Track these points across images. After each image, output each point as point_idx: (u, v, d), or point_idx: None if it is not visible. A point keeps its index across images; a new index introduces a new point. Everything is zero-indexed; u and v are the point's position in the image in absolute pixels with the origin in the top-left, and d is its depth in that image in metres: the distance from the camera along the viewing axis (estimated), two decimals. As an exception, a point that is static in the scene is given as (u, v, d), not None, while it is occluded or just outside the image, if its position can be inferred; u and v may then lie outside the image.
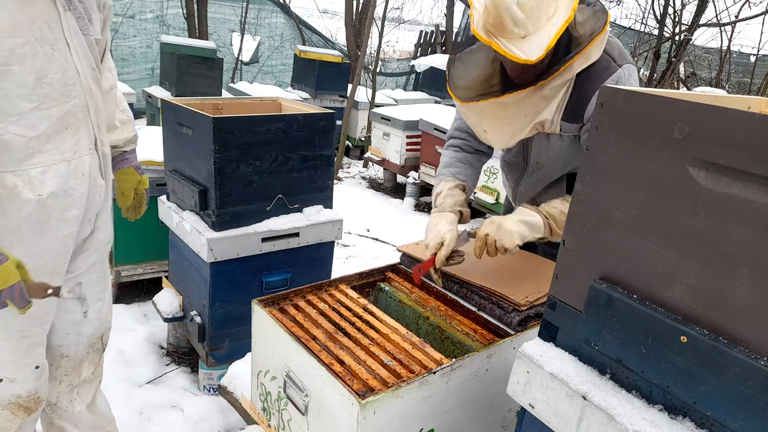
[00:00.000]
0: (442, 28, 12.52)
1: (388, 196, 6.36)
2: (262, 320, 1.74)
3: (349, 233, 4.95)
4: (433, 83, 9.24)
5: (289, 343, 1.59)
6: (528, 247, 2.16)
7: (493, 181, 4.99)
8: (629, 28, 10.32)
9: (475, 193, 5.15)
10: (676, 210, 0.95)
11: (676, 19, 8.55)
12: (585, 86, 1.56)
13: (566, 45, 1.52)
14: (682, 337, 0.93)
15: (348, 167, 7.44)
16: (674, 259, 0.96)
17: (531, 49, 1.44)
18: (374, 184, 6.79)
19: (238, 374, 2.09)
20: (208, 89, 5.70)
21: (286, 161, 2.44)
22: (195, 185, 2.37)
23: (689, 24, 8.50)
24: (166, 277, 2.93)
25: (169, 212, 2.61)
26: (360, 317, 1.75)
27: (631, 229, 1.01)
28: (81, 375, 1.79)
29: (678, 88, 8.92)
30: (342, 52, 9.64)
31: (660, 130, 0.95)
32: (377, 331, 1.68)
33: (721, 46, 9.03)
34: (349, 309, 1.80)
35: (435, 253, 1.73)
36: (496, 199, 4.92)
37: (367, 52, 8.28)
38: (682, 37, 8.39)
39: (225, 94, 6.92)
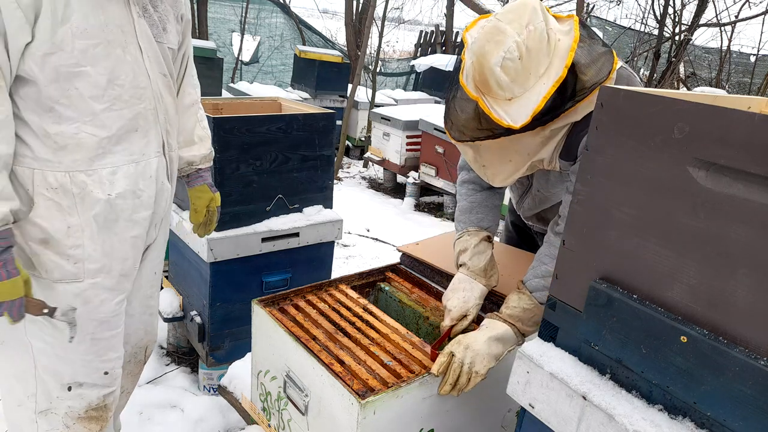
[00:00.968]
0: (442, 28, 12.52)
1: (388, 196, 6.36)
2: (262, 320, 1.74)
3: (349, 233, 4.95)
4: (433, 83, 9.23)
5: (289, 343, 1.59)
6: (528, 246, 2.17)
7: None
8: (629, 28, 10.32)
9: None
10: (676, 210, 0.95)
11: (676, 19, 8.55)
12: (582, 125, 1.45)
13: (573, 86, 1.39)
14: (682, 337, 0.93)
15: (348, 167, 7.44)
16: (674, 259, 0.96)
17: (517, 114, 1.34)
18: (374, 184, 6.79)
19: (238, 374, 2.09)
20: (208, 89, 5.66)
21: (286, 161, 2.44)
22: (195, 185, 2.37)
23: (689, 24, 8.50)
24: (166, 277, 2.93)
25: (169, 212, 2.61)
26: (360, 317, 1.75)
27: (631, 229, 1.01)
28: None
29: (678, 88, 8.92)
30: (342, 52, 9.63)
31: (660, 130, 0.95)
32: (377, 331, 1.68)
33: (721, 46, 9.03)
34: (349, 309, 1.80)
35: (454, 324, 1.63)
36: (497, 200, 4.91)
37: (367, 52, 8.28)
38: (682, 37, 8.39)
39: (225, 94, 6.93)
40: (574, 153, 1.49)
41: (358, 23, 10.76)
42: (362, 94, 7.66)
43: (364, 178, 7.06)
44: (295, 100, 2.99)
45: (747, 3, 8.27)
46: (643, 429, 0.95)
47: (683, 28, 8.51)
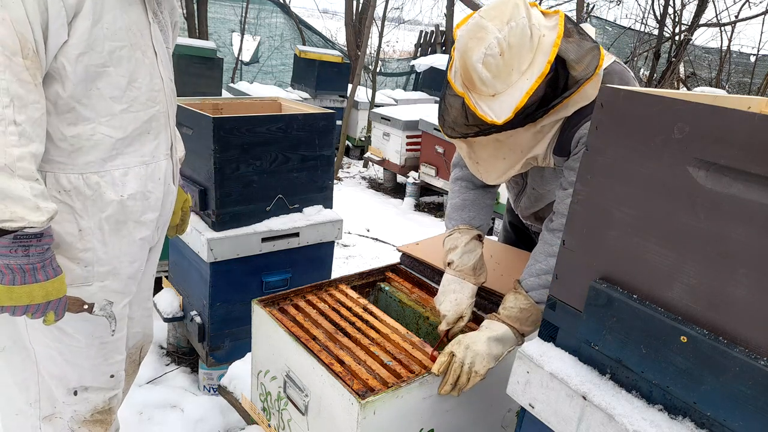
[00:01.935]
0: (442, 28, 12.52)
1: (388, 196, 6.36)
2: (262, 320, 1.74)
3: (349, 233, 4.95)
4: (433, 83, 9.23)
5: (289, 343, 1.59)
6: (526, 246, 2.17)
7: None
8: (629, 28, 10.32)
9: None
10: (676, 210, 0.95)
11: (676, 19, 8.55)
12: (575, 119, 1.46)
13: (564, 81, 1.40)
14: (682, 337, 0.93)
15: (348, 167, 7.44)
16: (674, 259, 0.96)
17: (500, 110, 1.35)
18: (374, 184, 6.79)
19: (238, 374, 2.09)
20: (208, 89, 5.69)
21: (286, 161, 2.44)
22: (195, 185, 2.38)
23: (689, 24, 8.50)
24: (166, 277, 2.93)
25: (169, 212, 2.62)
26: (360, 317, 1.75)
27: (631, 229, 1.01)
28: None
29: (678, 88, 8.92)
30: (342, 52, 9.63)
31: (660, 130, 0.95)
32: (377, 331, 1.68)
33: (721, 46, 9.03)
34: (349, 309, 1.80)
35: (450, 327, 1.64)
36: (497, 199, 4.92)
37: (367, 52, 8.29)
38: (682, 37, 8.39)
39: (225, 94, 6.93)
40: (567, 148, 1.50)
41: (358, 23, 10.76)
42: (362, 94, 7.66)
43: (364, 178, 7.06)
44: (295, 100, 2.99)
45: (747, 3, 8.27)
46: (643, 429, 0.95)
47: (683, 28, 8.51)
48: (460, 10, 12.84)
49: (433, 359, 1.53)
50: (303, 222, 2.52)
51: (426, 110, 6.20)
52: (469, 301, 1.65)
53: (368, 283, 2.05)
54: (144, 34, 1.42)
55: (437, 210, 6.00)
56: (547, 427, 1.12)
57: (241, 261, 2.42)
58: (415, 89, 10.54)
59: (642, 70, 9.78)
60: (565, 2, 8.53)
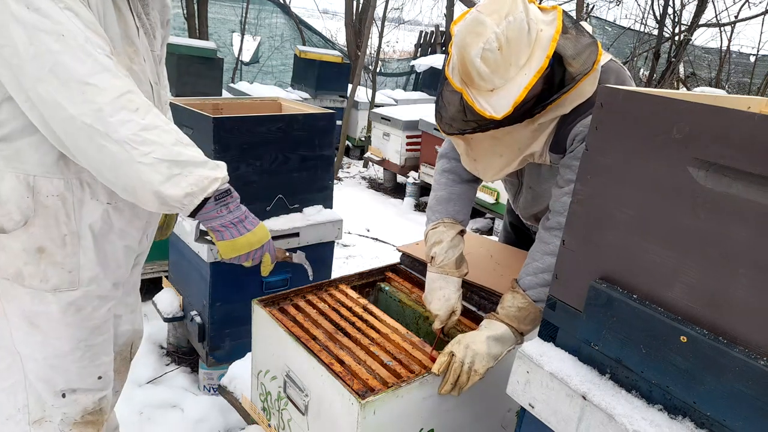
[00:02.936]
0: (442, 29, 12.52)
1: (388, 196, 6.36)
2: (262, 320, 1.74)
3: (349, 233, 4.95)
4: (433, 83, 9.23)
5: (289, 343, 1.59)
6: (526, 247, 2.17)
7: (494, 181, 4.99)
8: (629, 28, 10.32)
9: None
10: (676, 210, 0.95)
11: (676, 20, 8.55)
12: (571, 117, 1.46)
13: (561, 77, 1.40)
14: (682, 337, 0.93)
15: (348, 167, 7.44)
16: (674, 259, 0.96)
17: (498, 104, 1.34)
18: (374, 184, 6.79)
19: (238, 374, 2.09)
20: (208, 89, 5.69)
21: (286, 161, 2.44)
22: (195, 185, 2.37)
23: (689, 24, 8.50)
24: (166, 277, 2.93)
25: (169, 212, 2.61)
26: (360, 317, 1.75)
27: (631, 229, 1.01)
28: None
29: (678, 88, 8.92)
30: (342, 52, 9.63)
31: (660, 130, 0.95)
32: (377, 331, 1.68)
33: (721, 46, 9.03)
34: (349, 309, 1.80)
35: (444, 324, 1.64)
36: (497, 199, 4.92)
37: (367, 52, 8.28)
38: (681, 37, 8.39)
39: (225, 94, 6.92)
40: (564, 145, 1.49)
41: (358, 23, 10.76)
42: (362, 94, 7.66)
43: (364, 178, 7.06)
44: (295, 100, 2.99)
45: (747, 3, 8.27)
46: (643, 429, 0.95)
47: (683, 28, 8.51)
48: (460, 11, 12.82)
49: (433, 359, 1.53)
50: (303, 222, 2.52)
51: (426, 110, 6.19)
52: (457, 294, 1.65)
53: (368, 283, 2.05)
54: (134, 41, 1.39)
55: (437, 210, 5.99)
56: (547, 427, 1.12)
57: (241, 261, 2.42)
58: (415, 89, 10.54)
59: (642, 70, 9.78)
60: (565, 2, 8.53)
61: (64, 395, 1.45)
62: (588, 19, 9.20)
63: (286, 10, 10.99)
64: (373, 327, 1.70)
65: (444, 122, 1.48)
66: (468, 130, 1.44)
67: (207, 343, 2.52)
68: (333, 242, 2.70)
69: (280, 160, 2.42)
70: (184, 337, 2.88)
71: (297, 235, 2.51)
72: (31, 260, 1.33)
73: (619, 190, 1.03)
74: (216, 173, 1.30)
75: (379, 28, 7.71)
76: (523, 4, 1.35)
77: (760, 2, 8.34)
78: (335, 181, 6.06)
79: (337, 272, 3.25)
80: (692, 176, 0.92)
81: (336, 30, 13.27)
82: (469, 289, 1.88)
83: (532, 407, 1.15)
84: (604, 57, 1.48)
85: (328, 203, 2.66)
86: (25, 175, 1.29)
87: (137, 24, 1.41)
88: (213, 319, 2.47)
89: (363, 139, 7.71)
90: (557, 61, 1.37)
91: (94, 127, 1.17)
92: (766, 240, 0.85)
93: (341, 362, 1.51)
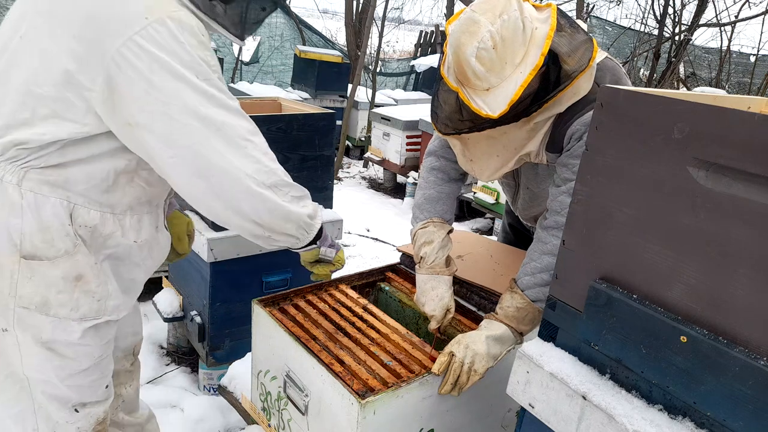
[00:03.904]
0: (442, 28, 12.50)
1: (388, 196, 6.36)
2: (262, 320, 1.74)
3: (349, 233, 4.95)
4: (433, 83, 9.19)
5: (289, 343, 1.59)
6: (525, 248, 2.17)
7: (493, 181, 4.99)
8: (629, 28, 10.31)
9: (474, 193, 5.15)
10: (676, 210, 0.95)
11: (676, 19, 8.55)
12: (567, 115, 1.46)
13: (556, 75, 1.40)
14: (682, 337, 0.93)
15: (348, 167, 7.44)
16: (674, 259, 0.96)
17: (495, 103, 1.34)
18: (374, 184, 6.79)
19: (238, 374, 2.09)
20: (208, 89, 5.68)
21: (286, 161, 2.44)
22: (195, 185, 2.37)
23: (689, 24, 8.50)
24: (166, 277, 2.92)
25: (169, 212, 2.61)
26: (360, 317, 1.75)
27: (631, 229, 1.01)
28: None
29: (678, 88, 8.92)
30: (342, 52, 9.63)
31: (660, 130, 0.95)
32: (377, 331, 1.68)
33: (721, 46, 9.03)
34: (349, 309, 1.80)
35: (441, 323, 1.64)
36: (496, 199, 4.92)
37: (367, 52, 8.28)
38: (682, 37, 8.39)
39: (225, 94, 6.90)
40: (560, 144, 1.49)
41: (358, 23, 10.75)
42: (362, 94, 7.66)
43: (364, 178, 7.06)
44: (295, 100, 2.98)
45: (747, 3, 8.27)
46: (643, 429, 0.95)
47: (683, 28, 8.51)
48: (461, 9, 12.80)
49: (433, 359, 1.53)
50: (303, 222, 2.52)
51: (426, 110, 6.18)
52: (449, 293, 1.66)
53: (368, 283, 2.05)
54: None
55: (437, 210, 5.99)
56: (547, 427, 1.12)
57: (241, 261, 2.42)
58: (415, 89, 10.53)
59: (642, 70, 9.77)
60: (565, 2, 8.53)
61: (77, 410, 1.44)
62: (588, 19, 9.20)
63: (286, 9, 10.98)
64: (373, 327, 1.70)
65: (440, 122, 1.48)
66: (464, 129, 1.44)
67: (207, 343, 2.52)
68: (333, 242, 2.70)
69: (279, 160, 2.37)
70: (184, 337, 2.88)
71: (297, 235, 2.51)
72: (67, 288, 1.30)
73: (619, 190, 1.03)
74: (317, 221, 1.51)
75: (379, 28, 7.72)
76: (517, 3, 1.35)
77: (760, 2, 8.34)
78: (335, 181, 6.07)
79: (337, 272, 3.25)
80: (692, 176, 0.92)
81: (336, 30, 13.27)
82: (468, 289, 1.88)
83: (532, 407, 1.15)
84: (600, 54, 1.47)
85: (328, 203, 2.66)
86: (68, 203, 1.27)
87: None
88: (213, 319, 2.47)
89: (363, 139, 7.71)
90: (552, 59, 1.37)
91: (254, 178, 1.30)
92: (766, 240, 0.85)
93: (341, 362, 1.51)
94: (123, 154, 1.29)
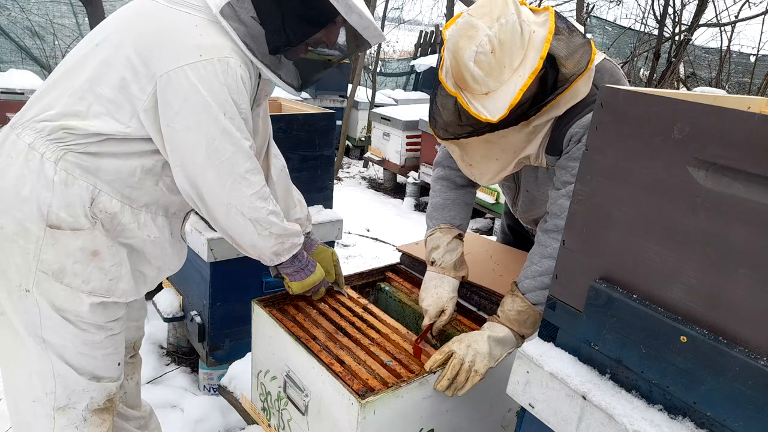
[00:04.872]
0: (442, 28, 12.52)
1: (388, 196, 6.36)
2: (262, 320, 1.74)
3: (349, 233, 4.95)
4: (433, 83, 9.19)
5: (289, 343, 1.59)
6: (524, 249, 2.17)
7: (491, 185, 4.99)
8: (629, 28, 10.31)
9: (475, 193, 5.14)
10: (676, 210, 0.95)
11: (676, 19, 8.54)
12: (566, 118, 1.45)
13: (554, 78, 1.40)
14: (682, 337, 0.93)
15: (348, 167, 7.44)
16: (674, 259, 0.96)
17: (494, 107, 1.33)
18: (374, 184, 6.79)
19: (238, 374, 2.09)
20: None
21: (286, 161, 2.43)
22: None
23: (689, 24, 8.49)
24: (167, 277, 2.92)
25: (169, 212, 2.61)
26: (360, 317, 1.75)
27: (631, 229, 1.01)
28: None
29: (678, 88, 8.91)
30: (342, 52, 9.60)
31: (660, 130, 0.95)
32: (377, 331, 1.68)
33: (721, 46, 9.02)
34: (349, 309, 1.80)
35: (433, 321, 1.65)
36: (496, 199, 4.92)
37: (367, 52, 8.28)
38: (682, 37, 8.38)
39: (225, 94, 6.90)
40: (559, 147, 1.49)
41: (358, 23, 10.73)
42: (362, 94, 7.66)
43: (364, 178, 7.06)
44: (295, 100, 2.98)
45: (747, 3, 8.27)
46: (643, 429, 0.95)
47: (683, 28, 8.51)
48: (460, 10, 12.81)
49: (416, 349, 1.56)
50: (303, 222, 2.52)
51: (426, 110, 6.18)
52: (450, 295, 1.66)
53: (368, 283, 2.05)
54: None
55: (437, 210, 5.99)
56: (547, 427, 1.12)
57: (241, 261, 2.41)
58: (415, 89, 10.52)
59: (642, 70, 9.77)
60: (565, 2, 8.52)
61: (92, 381, 1.52)
62: (588, 19, 9.20)
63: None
64: (373, 327, 1.70)
65: (438, 127, 1.48)
66: (463, 134, 1.43)
67: (207, 343, 2.52)
68: (333, 242, 2.70)
69: (280, 160, 2.41)
70: (184, 337, 2.88)
71: (297, 235, 2.51)
72: (83, 259, 1.41)
73: (619, 190, 1.03)
74: (299, 240, 1.66)
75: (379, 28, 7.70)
76: (515, 6, 1.35)
77: (760, 2, 8.34)
78: (335, 181, 6.06)
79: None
80: (692, 176, 0.92)
81: (336, 30, 13.24)
82: (468, 289, 1.88)
83: (532, 407, 1.15)
84: (598, 56, 1.47)
85: (328, 203, 2.66)
86: (93, 188, 1.41)
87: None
88: (213, 319, 2.47)
89: (363, 139, 7.71)
90: (551, 62, 1.36)
91: (236, 208, 1.47)
92: (766, 240, 0.85)
93: (341, 362, 1.51)
94: (151, 155, 1.45)
